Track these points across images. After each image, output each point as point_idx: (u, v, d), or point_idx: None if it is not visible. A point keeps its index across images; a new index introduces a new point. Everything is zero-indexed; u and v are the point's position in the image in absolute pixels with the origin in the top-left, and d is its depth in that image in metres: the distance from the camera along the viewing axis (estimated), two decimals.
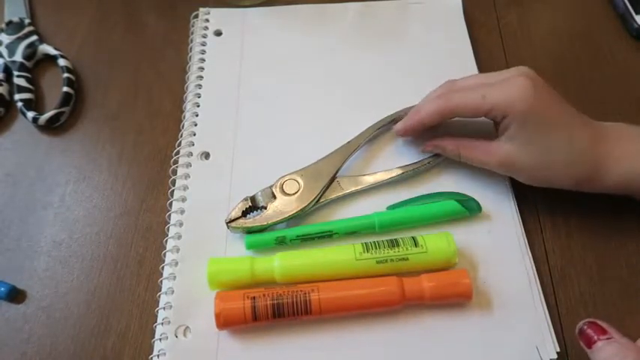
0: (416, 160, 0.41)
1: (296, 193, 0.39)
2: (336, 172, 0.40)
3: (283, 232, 0.38)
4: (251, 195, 0.39)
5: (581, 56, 0.49)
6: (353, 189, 0.40)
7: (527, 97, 0.34)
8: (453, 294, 0.35)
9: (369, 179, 0.40)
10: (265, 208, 0.38)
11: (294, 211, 0.38)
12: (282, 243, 0.37)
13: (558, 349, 0.34)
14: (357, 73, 0.47)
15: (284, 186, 0.39)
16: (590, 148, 0.35)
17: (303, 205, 0.38)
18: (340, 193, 0.40)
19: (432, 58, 0.48)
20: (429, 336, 0.35)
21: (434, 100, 0.39)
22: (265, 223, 0.38)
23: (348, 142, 0.41)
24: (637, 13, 0.49)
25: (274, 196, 0.39)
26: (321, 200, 0.39)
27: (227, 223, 0.38)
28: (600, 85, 0.46)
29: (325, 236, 0.38)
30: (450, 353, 0.34)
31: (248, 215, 0.38)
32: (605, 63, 0.48)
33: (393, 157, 0.42)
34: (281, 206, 0.38)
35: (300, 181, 0.39)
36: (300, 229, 0.38)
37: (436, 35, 0.49)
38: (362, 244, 0.36)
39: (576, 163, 0.35)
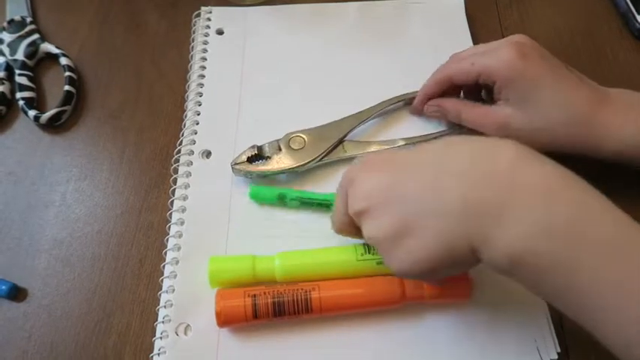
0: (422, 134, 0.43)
1: (301, 149, 0.41)
2: (343, 137, 0.42)
3: (285, 190, 0.39)
4: (259, 144, 0.41)
5: (583, 56, 0.49)
6: (356, 153, 0.41)
7: (511, 62, 0.36)
8: (453, 293, 0.35)
9: (373, 147, 0.42)
10: (270, 158, 0.40)
11: (296, 165, 0.40)
12: (282, 200, 0.39)
13: (559, 350, 0.34)
14: (357, 72, 0.47)
15: (290, 141, 0.41)
16: (589, 109, 0.35)
17: (305, 161, 0.40)
18: (343, 155, 0.41)
19: (433, 57, 0.47)
20: (429, 335, 0.35)
21: (434, 72, 0.42)
22: (266, 170, 0.40)
23: (360, 111, 0.43)
24: (639, 13, 0.49)
25: (280, 149, 0.41)
26: (324, 159, 0.41)
27: (232, 166, 0.40)
28: (602, 85, 0.46)
29: (323, 205, 0.39)
30: (450, 353, 0.34)
31: (253, 162, 0.40)
32: (607, 62, 0.48)
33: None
34: (285, 158, 0.40)
35: (306, 138, 0.41)
36: (302, 193, 0.39)
37: (437, 35, 0.49)
38: (363, 245, 0.36)
39: (574, 125, 0.36)
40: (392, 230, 0.28)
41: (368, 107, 0.43)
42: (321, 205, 0.39)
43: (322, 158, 0.41)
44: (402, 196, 0.28)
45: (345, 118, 0.43)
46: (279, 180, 0.41)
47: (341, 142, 0.42)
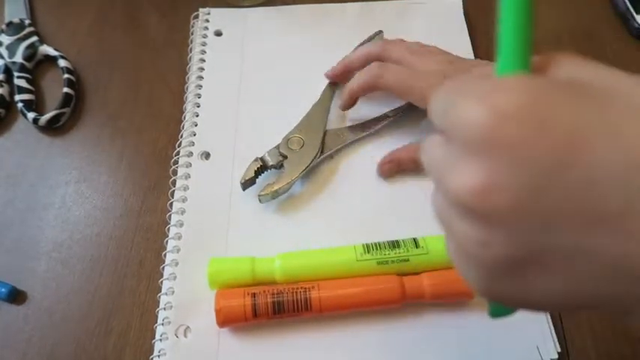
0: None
1: (301, 147, 0.41)
2: (327, 115, 0.44)
3: None
4: (259, 156, 0.41)
5: (582, 56, 0.49)
6: (353, 138, 0.43)
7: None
8: (453, 293, 0.35)
9: (361, 132, 0.43)
10: (275, 167, 0.40)
11: (307, 164, 0.40)
12: None
13: (559, 349, 0.34)
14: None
15: (289, 143, 0.41)
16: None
17: (312, 157, 0.41)
18: (341, 145, 0.43)
19: None
20: (430, 335, 0.35)
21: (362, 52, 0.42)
22: (288, 182, 0.39)
23: (322, 92, 0.45)
24: (637, 13, 0.49)
25: (282, 155, 0.41)
26: (325, 151, 0.42)
27: (258, 195, 0.39)
28: None
29: None
30: (451, 352, 0.34)
31: (259, 176, 0.40)
32: (606, 63, 0.48)
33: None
34: (294, 162, 0.40)
35: (301, 136, 0.42)
36: None
37: (436, 35, 0.49)
38: (363, 245, 0.36)
39: None
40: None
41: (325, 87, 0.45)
42: None
43: (323, 150, 0.42)
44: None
45: (316, 102, 0.44)
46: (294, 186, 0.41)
47: (326, 123, 0.43)
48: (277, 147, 0.41)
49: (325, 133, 0.43)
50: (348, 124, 0.44)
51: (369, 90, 0.41)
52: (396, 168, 0.41)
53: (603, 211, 0.15)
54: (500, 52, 0.20)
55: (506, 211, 0.16)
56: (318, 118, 0.43)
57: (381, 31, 0.47)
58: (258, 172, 0.40)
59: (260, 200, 0.39)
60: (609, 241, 0.16)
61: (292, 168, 0.40)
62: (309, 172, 0.41)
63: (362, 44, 0.47)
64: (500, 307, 0.21)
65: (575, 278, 0.17)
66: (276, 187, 0.39)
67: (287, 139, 0.41)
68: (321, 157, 0.41)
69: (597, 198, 0.15)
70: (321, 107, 0.44)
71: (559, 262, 0.17)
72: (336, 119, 0.45)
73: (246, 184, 0.40)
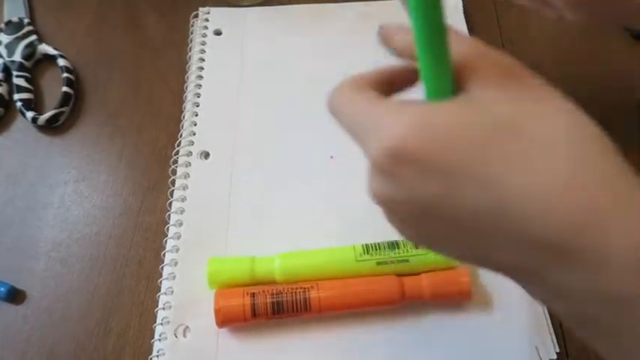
0: None
1: None
2: None
3: None
4: None
5: (582, 56, 0.49)
6: None
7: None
8: (452, 293, 0.35)
9: None
10: None
11: None
12: None
13: (558, 350, 0.34)
14: (356, 72, 0.47)
15: None
16: None
17: None
18: None
19: None
20: (429, 335, 0.35)
21: None
22: None
23: None
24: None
25: None
26: None
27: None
28: (600, 86, 0.46)
29: None
30: (450, 353, 0.34)
31: None
32: (606, 63, 0.48)
33: None
34: None
35: None
36: None
37: None
38: (362, 245, 0.36)
39: None
40: None
41: None
42: None
43: None
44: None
45: None
46: None
47: None
48: None
49: None
50: None
51: None
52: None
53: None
54: (421, 75, 0.21)
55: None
56: None
57: None
58: None
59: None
60: (485, 194, 0.19)
61: None
62: (310, 174, 0.41)
63: None
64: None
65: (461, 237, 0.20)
66: None
67: None
68: None
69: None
70: None
71: (447, 218, 0.20)
72: None
73: None
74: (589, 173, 0.18)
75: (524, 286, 0.21)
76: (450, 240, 0.21)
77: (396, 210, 0.22)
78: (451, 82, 0.21)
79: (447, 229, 0.20)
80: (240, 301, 0.34)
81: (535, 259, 0.19)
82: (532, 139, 0.19)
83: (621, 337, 0.19)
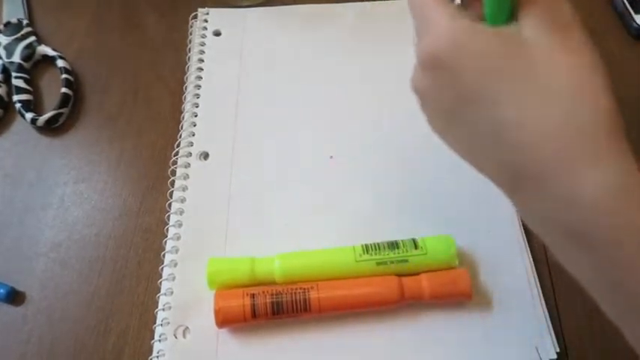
0: None
1: None
2: None
3: None
4: None
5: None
6: None
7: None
8: (452, 293, 0.35)
9: None
10: None
11: None
12: None
13: (558, 349, 0.34)
14: (356, 73, 0.47)
15: None
16: None
17: None
18: None
19: None
20: (429, 335, 0.35)
21: None
22: None
23: None
24: (636, 13, 0.49)
25: None
26: None
27: None
28: None
29: None
30: (450, 353, 0.34)
31: None
32: (605, 63, 0.48)
33: None
34: None
35: None
36: None
37: None
38: (362, 245, 0.36)
39: None
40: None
41: None
42: None
43: None
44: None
45: None
46: None
47: None
48: None
49: None
50: None
51: None
52: None
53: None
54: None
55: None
56: None
57: None
58: None
59: None
60: (492, 110, 0.22)
61: None
62: (310, 174, 0.41)
63: None
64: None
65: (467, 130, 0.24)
66: None
67: None
68: None
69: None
70: None
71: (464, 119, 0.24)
72: None
73: None
74: (579, 128, 0.21)
75: (504, 193, 0.25)
76: (459, 133, 0.25)
77: (427, 102, 0.26)
78: (507, 11, 0.23)
79: (460, 123, 0.24)
80: (239, 302, 0.34)
81: (517, 172, 0.22)
82: (545, 85, 0.21)
83: (578, 267, 0.22)
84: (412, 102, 0.42)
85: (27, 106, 0.45)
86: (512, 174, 0.23)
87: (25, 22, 0.50)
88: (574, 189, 0.20)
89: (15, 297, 0.37)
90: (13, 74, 0.47)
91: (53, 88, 0.47)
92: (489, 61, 0.22)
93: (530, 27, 0.22)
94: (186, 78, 0.47)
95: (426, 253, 0.35)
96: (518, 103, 0.21)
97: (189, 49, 0.49)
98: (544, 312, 0.35)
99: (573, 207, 0.21)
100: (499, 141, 0.22)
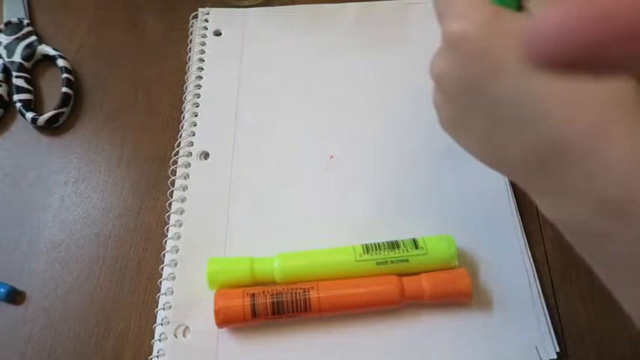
0: None
1: None
2: None
3: None
4: None
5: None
6: None
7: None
8: (452, 293, 0.35)
9: None
10: None
11: None
12: None
13: (558, 350, 0.34)
14: (356, 73, 0.47)
15: None
16: None
17: None
18: None
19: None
20: (429, 335, 0.35)
21: None
22: None
23: None
24: None
25: None
26: None
27: None
28: None
29: None
30: (450, 353, 0.34)
31: None
32: None
33: None
34: None
35: None
36: None
37: (436, 36, 0.49)
38: (362, 245, 0.36)
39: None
40: None
41: None
42: None
43: None
44: None
45: None
46: None
47: None
48: None
49: None
50: None
51: None
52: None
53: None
54: None
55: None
56: None
57: None
58: None
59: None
60: (516, 85, 0.22)
61: None
62: (310, 173, 0.41)
63: None
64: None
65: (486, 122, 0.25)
66: None
67: None
68: None
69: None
70: None
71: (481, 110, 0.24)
72: None
73: None
74: (610, 95, 0.21)
75: (525, 185, 0.25)
76: (477, 125, 0.25)
77: (445, 85, 0.26)
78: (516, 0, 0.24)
79: (478, 111, 0.25)
80: (240, 302, 0.34)
81: (544, 152, 0.22)
82: None
83: (607, 245, 0.21)
84: (412, 102, 0.42)
85: (27, 105, 0.45)
86: (539, 153, 0.23)
87: (25, 21, 0.50)
88: (610, 152, 0.20)
89: (15, 297, 0.37)
90: (14, 74, 0.47)
91: (54, 88, 0.47)
92: (510, 47, 0.23)
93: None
94: (187, 78, 0.47)
95: (426, 253, 0.35)
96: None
97: (190, 48, 0.49)
98: (544, 312, 0.35)
99: (609, 173, 0.20)
100: (524, 117, 0.22)
